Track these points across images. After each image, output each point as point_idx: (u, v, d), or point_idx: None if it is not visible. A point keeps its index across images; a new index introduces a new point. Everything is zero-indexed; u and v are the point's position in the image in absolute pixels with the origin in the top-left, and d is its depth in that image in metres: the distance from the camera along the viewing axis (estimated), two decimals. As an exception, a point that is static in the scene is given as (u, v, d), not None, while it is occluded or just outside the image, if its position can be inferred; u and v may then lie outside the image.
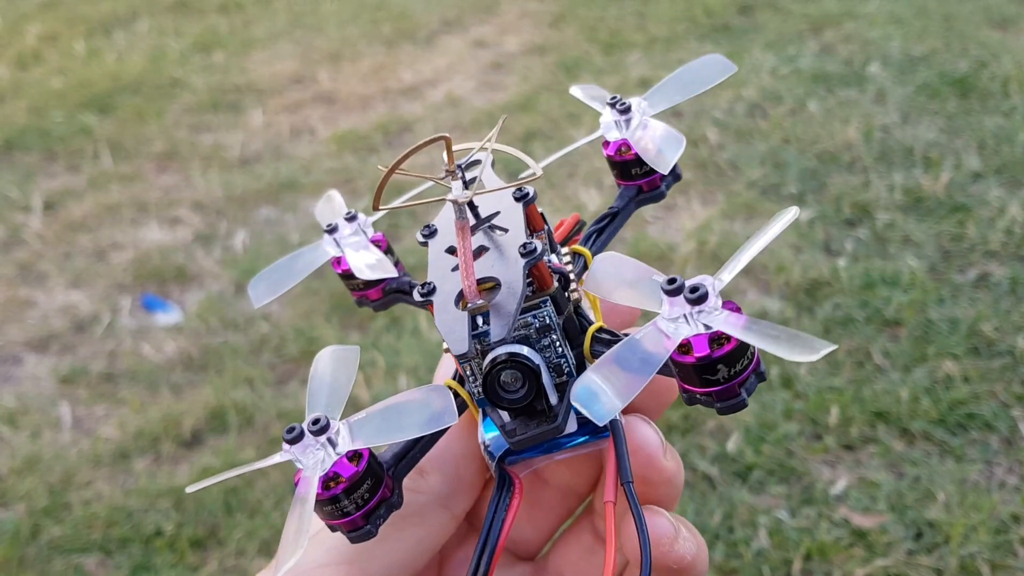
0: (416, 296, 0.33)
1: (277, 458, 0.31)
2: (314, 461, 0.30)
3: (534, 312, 0.33)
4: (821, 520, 1.25)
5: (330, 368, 0.34)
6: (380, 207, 0.34)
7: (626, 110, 0.39)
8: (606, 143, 0.40)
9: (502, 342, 0.31)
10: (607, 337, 0.34)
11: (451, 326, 0.31)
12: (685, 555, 0.33)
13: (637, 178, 0.40)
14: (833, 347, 0.28)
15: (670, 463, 0.35)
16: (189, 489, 0.31)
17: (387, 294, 0.41)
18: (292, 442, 0.30)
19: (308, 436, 0.30)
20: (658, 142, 0.38)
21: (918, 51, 2.45)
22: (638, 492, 0.34)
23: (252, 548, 1.31)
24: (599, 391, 0.29)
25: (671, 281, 0.29)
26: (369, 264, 0.39)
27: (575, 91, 0.43)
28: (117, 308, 1.86)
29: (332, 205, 0.44)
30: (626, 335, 0.33)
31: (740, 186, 1.97)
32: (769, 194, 1.94)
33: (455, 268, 0.33)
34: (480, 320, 0.33)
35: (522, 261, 0.32)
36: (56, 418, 1.59)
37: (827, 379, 1.44)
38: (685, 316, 0.29)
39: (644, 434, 0.34)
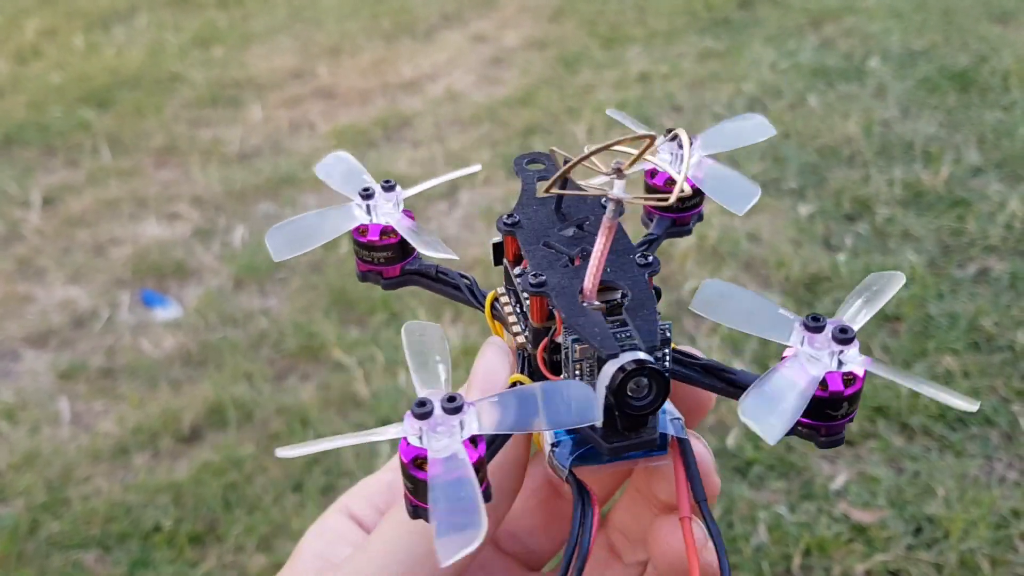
0: (528, 284, 0.33)
1: (392, 431, 0.29)
2: (442, 443, 0.28)
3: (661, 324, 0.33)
4: (821, 515, 1.25)
5: (426, 343, 0.33)
6: (550, 191, 0.34)
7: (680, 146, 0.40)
8: (652, 173, 0.41)
9: (634, 348, 0.31)
10: (683, 357, 0.35)
11: (590, 325, 0.31)
12: (712, 561, 0.35)
13: (673, 211, 0.41)
14: (975, 405, 0.33)
15: (718, 477, 0.36)
16: (280, 453, 0.30)
17: (405, 274, 0.40)
18: (422, 417, 0.28)
19: (440, 413, 0.28)
20: (735, 188, 0.39)
21: (918, 45, 2.45)
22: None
23: (251, 544, 1.31)
24: (769, 412, 0.30)
25: (815, 319, 0.31)
26: (429, 243, 0.38)
27: (612, 113, 0.43)
28: (116, 303, 1.86)
29: (344, 167, 0.42)
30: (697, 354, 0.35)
31: (740, 181, 1.96)
32: (769, 188, 1.93)
33: (565, 264, 0.34)
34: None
35: (642, 271, 0.34)
36: (55, 413, 1.59)
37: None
38: (830, 353, 0.31)
39: (701, 452, 0.35)
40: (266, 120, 2.54)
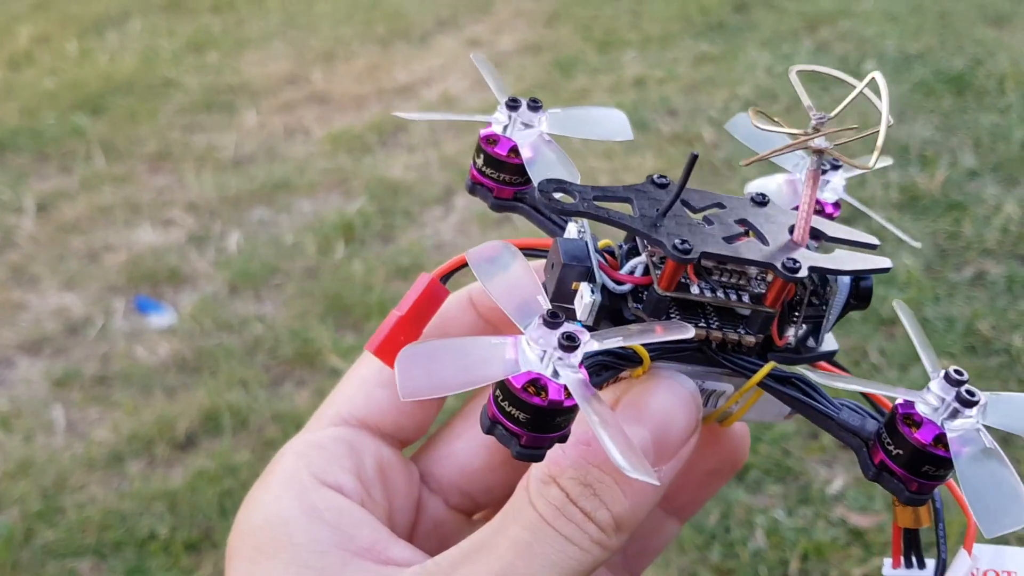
0: (785, 271, 0.33)
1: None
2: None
3: None
4: (818, 520, 1.24)
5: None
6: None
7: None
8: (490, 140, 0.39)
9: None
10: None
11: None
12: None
13: None
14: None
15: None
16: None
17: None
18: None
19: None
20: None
21: (913, 49, 2.45)
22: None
23: (247, 551, 1.31)
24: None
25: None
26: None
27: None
28: (110, 310, 1.85)
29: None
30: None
31: (736, 185, 1.96)
32: (765, 193, 1.93)
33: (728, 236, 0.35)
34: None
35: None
36: (49, 421, 1.58)
37: (823, 378, 1.44)
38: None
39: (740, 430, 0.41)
40: (260, 126, 2.54)
